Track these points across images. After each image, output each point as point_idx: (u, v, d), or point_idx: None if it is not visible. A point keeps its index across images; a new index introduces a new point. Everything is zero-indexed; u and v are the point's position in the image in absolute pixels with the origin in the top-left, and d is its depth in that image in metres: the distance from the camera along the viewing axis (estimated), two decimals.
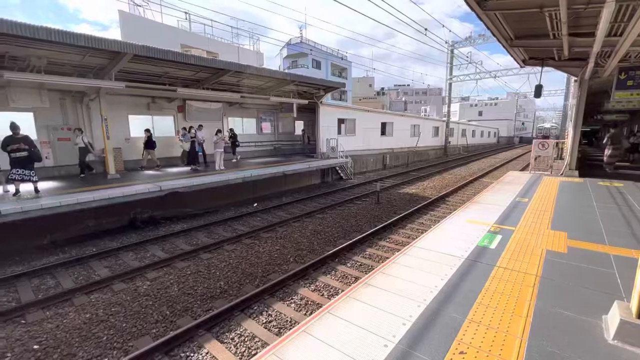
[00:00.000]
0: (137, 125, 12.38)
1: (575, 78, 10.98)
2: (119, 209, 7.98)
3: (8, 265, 6.26)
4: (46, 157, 10.08)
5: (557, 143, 12.47)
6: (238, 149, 14.85)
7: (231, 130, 14.78)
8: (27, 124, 9.48)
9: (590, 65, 8.29)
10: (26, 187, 7.59)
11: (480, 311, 3.00)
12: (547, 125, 50.11)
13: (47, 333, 4.19)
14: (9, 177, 7.12)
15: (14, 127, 7.16)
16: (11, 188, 7.52)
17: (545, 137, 31.04)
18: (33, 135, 9.02)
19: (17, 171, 7.10)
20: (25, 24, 6.48)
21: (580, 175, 10.75)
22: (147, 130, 11.81)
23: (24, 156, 7.14)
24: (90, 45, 7.46)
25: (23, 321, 4.48)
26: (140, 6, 18.85)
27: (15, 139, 7.10)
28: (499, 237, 4.93)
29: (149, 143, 11.83)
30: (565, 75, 23.00)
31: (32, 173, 7.31)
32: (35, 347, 3.93)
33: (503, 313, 2.97)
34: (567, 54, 8.60)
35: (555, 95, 41.24)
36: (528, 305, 3.07)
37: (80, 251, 6.99)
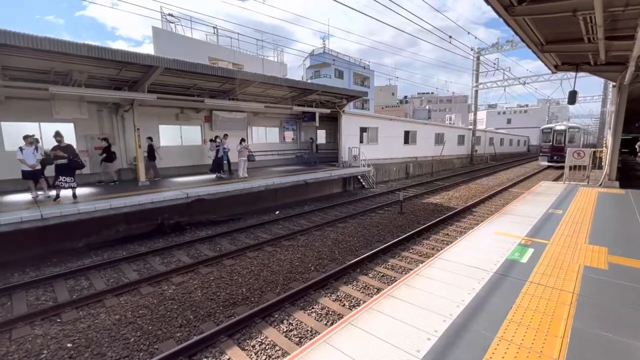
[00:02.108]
0: (167, 134, 12.97)
1: (614, 83, 10.37)
2: (147, 214, 8.32)
3: (47, 266, 6.66)
4: (84, 165, 10.73)
5: (594, 152, 11.74)
6: (260, 159, 15.07)
7: (213, 140, 12.33)
8: (68, 133, 10.19)
9: (630, 69, 7.80)
10: (65, 193, 8.10)
11: (511, 329, 2.84)
12: (560, 127, 24.94)
13: (80, 332, 4.39)
14: (56, 184, 7.68)
15: (56, 135, 7.78)
16: (52, 193, 8.07)
17: (558, 148, 23.06)
18: (74, 145, 9.66)
19: (64, 179, 7.65)
20: (69, 42, 7.02)
21: (621, 186, 10.04)
22: (105, 140, 10.45)
23: (63, 163, 7.67)
24: (127, 60, 7.95)
25: (59, 320, 4.72)
26: (172, 22, 19.91)
27: (56, 147, 7.67)
28: (530, 251, 4.67)
29: (108, 154, 10.36)
30: (603, 80, 21.77)
31: (71, 179, 7.84)
32: (69, 345, 4.12)
33: (536, 332, 2.78)
34: (604, 59, 8.15)
35: (591, 101, 38.80)
36: (564, 325, 2.87)
37: (111, 254, 7.32)
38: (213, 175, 12.25)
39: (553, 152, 23.63)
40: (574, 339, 2.67)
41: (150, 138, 11.52)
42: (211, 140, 12.57)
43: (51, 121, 9.91)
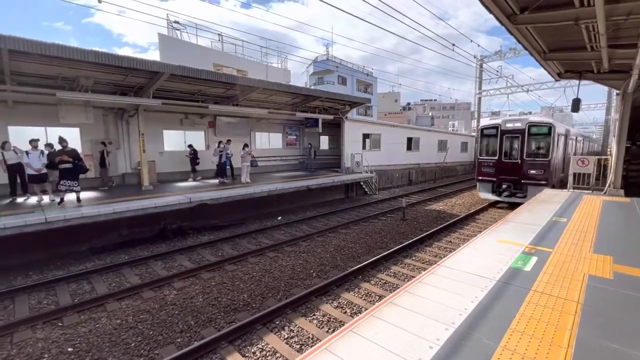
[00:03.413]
0: (171, 139, 13.07)
1: (618, 91, 10.35)
2: (150, 219, 8.34)
3: (50, 270, 6.68)
4: (88, 169, 10.81)
5: (598, 159, 11.66)
6: (263, 164, 15.12)
7: (190, 146, 12.88)
8: (74, 138, 10.32)
9: (634, 77, 7.79)
10: (69, 197, 8.16)
11: (514, 338, 2.80)
12: (513, 123, 12.14)
13: (81, 337, 4.38)
14: (58, 187, 7.74)
15: (60, 140, 7.87)
16: (57, 197, 8.12)
17: (511, 167, 11.92)
18: (79, 149, 9.75)
19: (65, 182, 7.71)
20: (76, 48, 7.14)
21: (627, 195, 9.95)
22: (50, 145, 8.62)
23: (68, 168, 7.74)
24: (133, 66, 8.07)
25: (60, 324, 4.72)
26: (178, 30, 20.20)
27: (61, 152, 7.75)
28: (534, 259, 4.62)
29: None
30: (607, 87, 21.55)
31: (75, 183, 7.91)
32: (70, 349, 4.12)
33: (540, 342, 2.75)
34: (607, 67, 8.15)
35: (595, 109, 38.43)
36: (569, 335, 2.83)
37: (114, 258, 7.34)
38: (216, 180, 12.31)
39: (500, 176, 12.24)
40: (578, 349, 2.63)
41: (103, 143, 10.82)
42: (189, 146, 12.57)
43: (57, 126, 10.04)
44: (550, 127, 11.56)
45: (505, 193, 12.13)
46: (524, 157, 11.78)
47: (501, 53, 27.30)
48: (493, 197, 12.68)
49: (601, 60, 7.56)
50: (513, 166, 11.99)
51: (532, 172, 11.55)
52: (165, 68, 8.65)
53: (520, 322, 3.04)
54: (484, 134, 13.13)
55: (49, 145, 8.87)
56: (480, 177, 13.04)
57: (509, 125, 12.21)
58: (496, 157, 12.44)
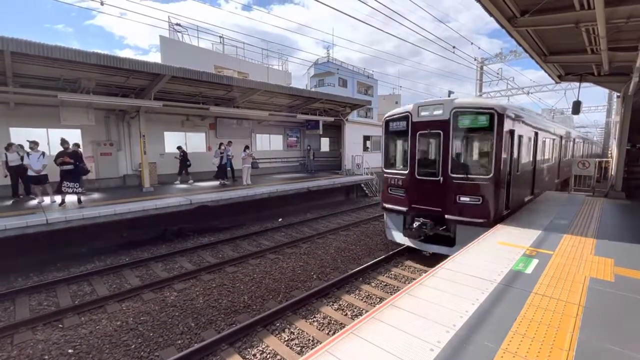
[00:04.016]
0: (172, 141, 13.08)
1: (618, 94, 10.36)
2: (151, 220, 8.35)
3: (50, 271, 6.68)
4: (89, 171, 10.82)
5: (599, 162, 11.64)
6: (264, 166, 15.13)
7: (179, 148, 12.46)
8: (75, 140, 10.32)
9: (634, 80, 7.79)
10: (70, 198, 8.17)
11: (515, 341, 2.79)
12: (431, 109, 6.48)
13: (82, 338, 4.38)
14: (62, 189, 7.75)
15: (62, 142, 7.90)
16: (57, 198, 8.14)
17: (428, 188, 6.58)
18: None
19: (68, 184, 7.73)
20: (78, 50, 7.18)
21: (627, 197, 9.94)
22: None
23: (69, 169, 7.76)
24: (134, 68, 8.11)
25: (60, 325, 4.72)
26: (179, 32, 20.28)
27: (63, 153, 7.77)
28: (535, 261, 4.61)
29: None
30: (607, 90, 21.50)
31: (77, 185, 7.91)
32: (70, 351, 4.12)
33: (542, 345, 2.74)
34: (608, 69, 8.17)
35: (596, 111, 38.44)
36: (570, 338, 2.82)
37: (114, 260, 7.34)
38: (217, 182, 12.32)
39: (413, 205, 6.94)
40: (579, 351, 2.62)
41: (77, 144, 9.24)
42: (178, 148, 12.48)
43: (59, 127, 10.07)
44: (492, 115, 6.13)
45: (427, 233, 6.74)
46: (449, 171, 6.57)
47: (502, 55, 27.26)
48: (403, 241, 7.39)
49: (601, 62, 7.57)
50: (432, 188, 6.77)
51: (463, 199, 6.49)
52: (166, 70, 8.69)
53: (522, 325, 3.03)
54: (390, 130, 7.58)
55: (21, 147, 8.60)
56: (385, 205, 7.63)
57: (425, 114, 6.87)
58: (407, 171, 7.15)
